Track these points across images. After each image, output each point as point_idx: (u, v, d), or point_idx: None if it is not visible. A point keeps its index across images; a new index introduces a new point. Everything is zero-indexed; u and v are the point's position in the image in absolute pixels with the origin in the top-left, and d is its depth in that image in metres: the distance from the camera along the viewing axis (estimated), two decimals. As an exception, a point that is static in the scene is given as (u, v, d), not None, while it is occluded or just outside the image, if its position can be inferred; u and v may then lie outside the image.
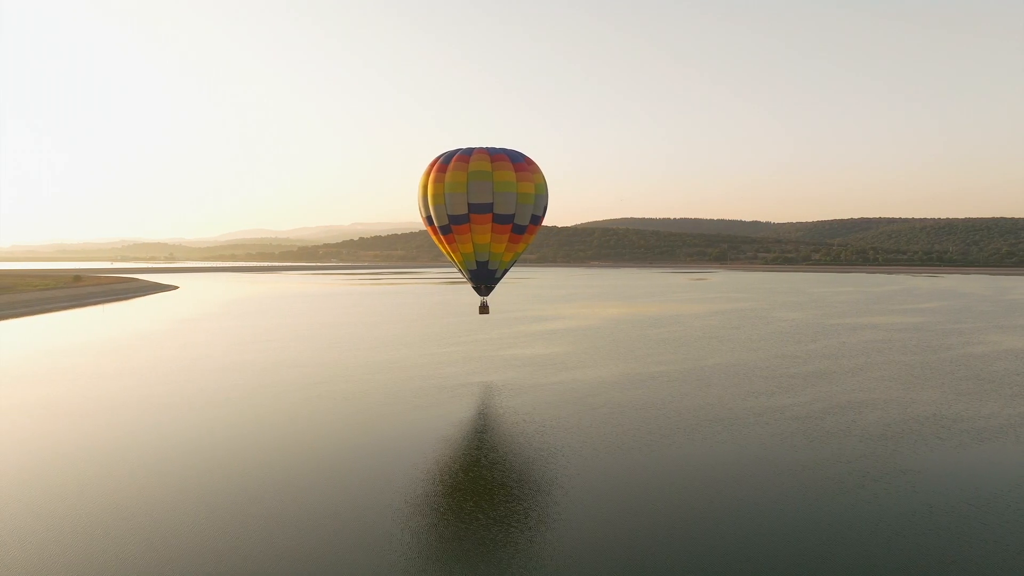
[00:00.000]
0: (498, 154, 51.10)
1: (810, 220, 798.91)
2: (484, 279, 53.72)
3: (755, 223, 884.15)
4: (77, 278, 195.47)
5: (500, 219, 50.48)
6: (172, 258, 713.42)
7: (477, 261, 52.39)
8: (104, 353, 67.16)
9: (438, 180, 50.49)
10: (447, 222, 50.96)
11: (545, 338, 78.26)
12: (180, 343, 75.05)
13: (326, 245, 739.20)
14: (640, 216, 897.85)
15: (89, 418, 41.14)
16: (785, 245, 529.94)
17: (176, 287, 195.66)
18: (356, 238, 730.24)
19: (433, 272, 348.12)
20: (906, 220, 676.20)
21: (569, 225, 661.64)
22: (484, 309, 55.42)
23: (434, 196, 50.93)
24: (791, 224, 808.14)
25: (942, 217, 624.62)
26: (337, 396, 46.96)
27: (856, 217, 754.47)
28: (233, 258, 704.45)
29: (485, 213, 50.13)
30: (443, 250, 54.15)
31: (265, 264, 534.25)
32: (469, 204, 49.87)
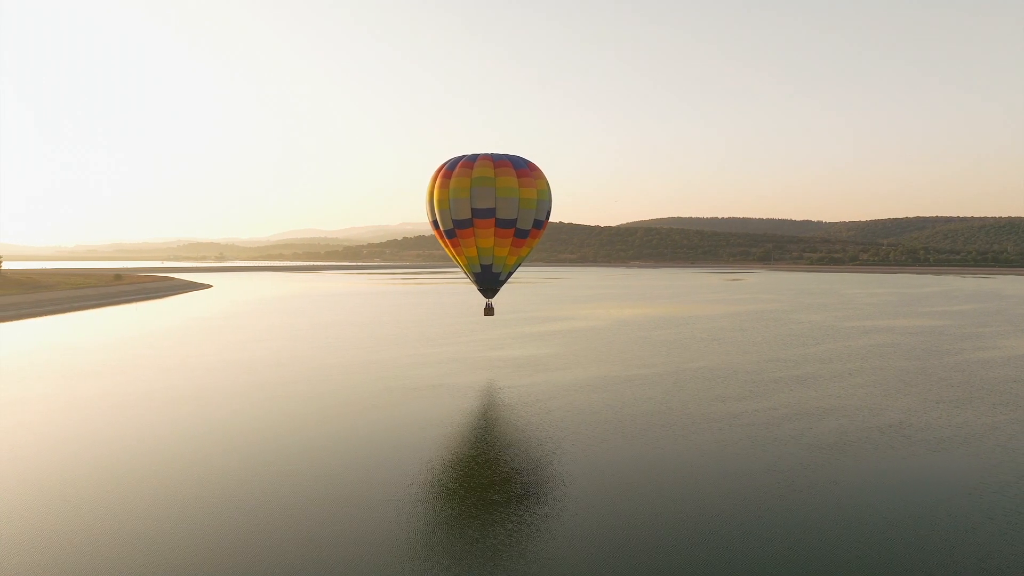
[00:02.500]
0: (501, 160, 52.07)
1: (863, 219, 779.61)
2: (488, 282, 54.85)
3: (806, 222, 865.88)
4: (118, 277, 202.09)
5: (502, 224, 51.53)
6: (221, 257, 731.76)
7: (481, 264, 53.49)
8: (88, 352, 69.08)
9: (443, 186, 51.86)
10: (452, 226, 52.22)
11: (541, 340, 77.71)
12: (176, 342, 76.77)
13: (370, 245, 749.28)
14: (687, 215, 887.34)
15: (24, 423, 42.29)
16: (832, 245, 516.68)
17: (210, 286, 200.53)
18: (400, 238, 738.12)
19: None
20: (964, 219, 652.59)
21: (612, 225, 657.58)
22: (489, 311, 56.91)
23: (439, 201, 52.23)
24: (843, 223, 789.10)
25: (1003, 216, 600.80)
26: (299, 397, 47.35)
27: (911, 216, 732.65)
28: (280, 257, 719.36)
29: (488, 218, 51.19)
30: (449, 253, 55.36)
31: (307, 264, 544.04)
32: (472, 209, 51.03)
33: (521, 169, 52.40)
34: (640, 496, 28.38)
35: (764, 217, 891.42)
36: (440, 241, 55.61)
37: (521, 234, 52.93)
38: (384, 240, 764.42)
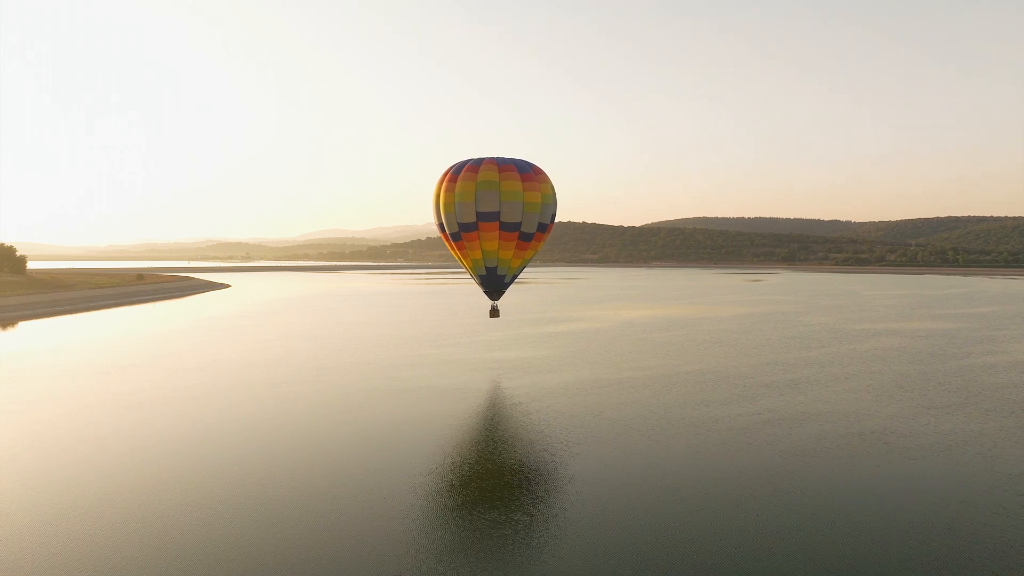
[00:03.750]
0: (506, 164, 52.85)
1: (893, 219, 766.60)
2: (494, 284, 55.70)
3: (834, 222, 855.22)
4: (140, 277, 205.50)
5: (507, 227, 52.26)
6: (248, 257, 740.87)
7: (486, 267, 54.31)
8: (73, 351, 70.11)
9: (449, 190, 52.74)
10: (457, 229, 53.01)
11: (541, 341, 77.29)
12: (175, 342, 77.61)
13: (394, 245, 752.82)
14: (713, 215, 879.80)
15: None
16: (859, 245, 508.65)
17: (228, 286, 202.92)
18: (424, 238, 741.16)
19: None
20: (998, 219, 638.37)
21: (636, 225, 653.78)
22: (495, 312, 57.98)
23: (445, 205, 53.06)
24: (872, 223, 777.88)
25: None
26: (283, 398, 47.53)
27: (943, 216, 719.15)
28: (306, 257, 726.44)
29: (492, 221, 52.01)
30: (455, 256, 56.28)
31: (329, 264, 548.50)
32: (477, 212, 51.80)
33: (526, 173, 53.02)
34: (593, 502, 27.95)
35: (792, 217, 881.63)
36: (447, 244, 56.40)
37: (525, 237, 53.59)
38: (409, 240, 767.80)
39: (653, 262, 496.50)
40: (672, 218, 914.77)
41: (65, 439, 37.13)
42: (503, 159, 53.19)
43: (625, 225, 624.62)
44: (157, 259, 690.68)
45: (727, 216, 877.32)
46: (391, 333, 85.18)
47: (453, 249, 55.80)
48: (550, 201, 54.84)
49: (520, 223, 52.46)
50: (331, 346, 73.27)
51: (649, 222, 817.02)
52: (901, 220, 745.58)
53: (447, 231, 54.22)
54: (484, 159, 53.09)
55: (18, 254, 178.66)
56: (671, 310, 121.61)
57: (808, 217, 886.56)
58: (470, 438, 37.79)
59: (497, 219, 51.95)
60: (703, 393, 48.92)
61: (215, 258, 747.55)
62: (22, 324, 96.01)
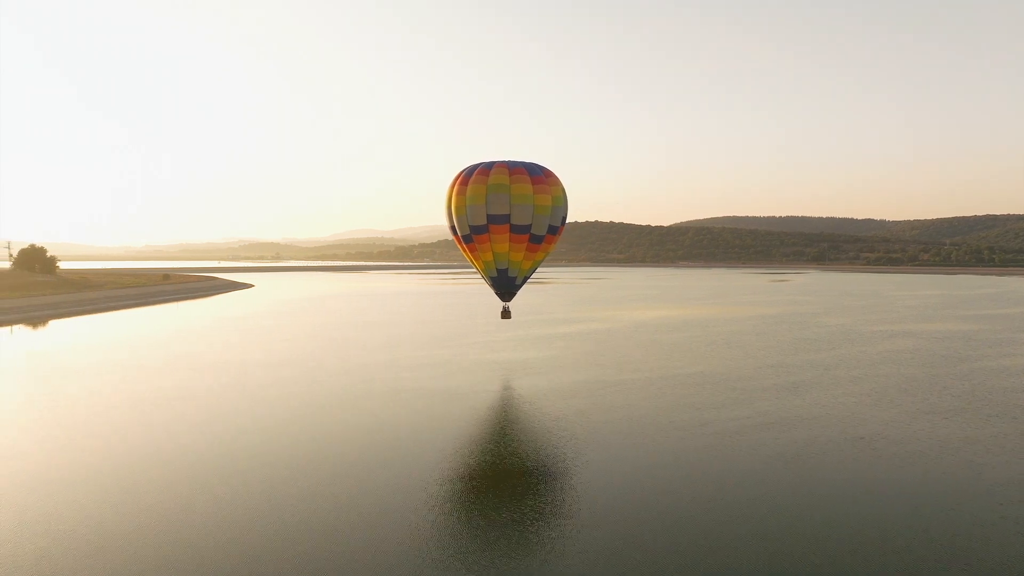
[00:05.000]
0: (517, 168, 53.79)
1: (929, 218, 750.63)
2: (505, 286, 56.47)
3: (868, 221, 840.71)
4: (166, 277, 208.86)
5: (517, 229, 53.11)
6: (278, 257, 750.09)
7: (497, 269, 55.14)
8: (69, 351, 71.34)
9: (460, 193, 53.84)
10: (468, 232, 54.06)
11: (546, 342, 76.86)
12: (176, 342, 78.63)
13: (421, 244, 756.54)
14: (743, 214, 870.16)
15: None
16: (892, 244, 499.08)
17: (251, 286, 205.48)
18: (451, 238, 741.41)
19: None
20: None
21: (664, 224, 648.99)
22: (506, 314, 58.66)
23: (456, 208, 54.19)
24: (907, 222, 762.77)
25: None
26: (270, 400, 47.70)
27: (981, 214, 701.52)
28: (334, 257, 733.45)
29: (503, 224, 52.86)
30: (467, 258, 57.40)
31: (355, 264, 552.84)
32: (488, 215, 52.71)
33: (536, 176, 53.90)
34: (549, 510, 27.59)
35: (823, 216, 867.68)
36: (459, 246, 57.61)
37: (536, 240, 54.39)
38: (436, 240, 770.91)
39: (680, 262, 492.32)
40: (701, 217, 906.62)
41: (58, 439, 37.71)
42: (514, 162, 54.14)
43: (653, 224, 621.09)
44: (190, 259, 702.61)
45: (757, 215, 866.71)
46: (398, 334, 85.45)
47: (465, 251, 56.83)
48: (560, 204, 55.63)
49: (530, 225, 53.32)
50: (334, 348, 73.70)
51: (678, 221, 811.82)
52: (937, 219, 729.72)
53: (459, 233, 55.45)
54: (495, 162, 54.12)
55: (48, 255, 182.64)
56: (688, 311, 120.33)
57: (840, 216, 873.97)
58: (440, 444, 37.56)
59: (507, 222, 52.78)
60: (698, 396, 48.19)
61: (246, 258, 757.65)
62: (40, 324, 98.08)
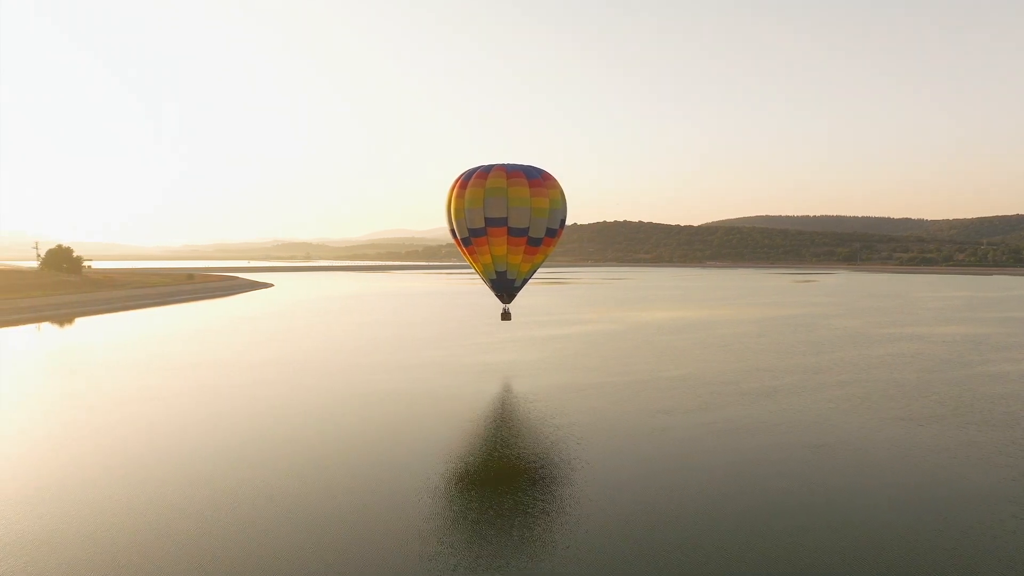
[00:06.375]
0: (514, 171, 54.42)
1: (968, 216, 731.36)
2: (504, 288, 57.07)
3: (905, 220, 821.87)
4: (190, 277, 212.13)
5: (514, 232, 53.67)
6: (308, 257, 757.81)
7: (496, 271, 55.73)
8: (75, 351, 72.41)
9: (459, 196, 54.65)
10: (467, 235, 54.80)
11: (539, 344, 76.07)
12: (177, 342, 79.48)
13: (450, 244, 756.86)
14: (776, 214, 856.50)
15: None
16: (927, 244, 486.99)
17: (271, 285, 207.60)
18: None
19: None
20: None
21: (694, 224, 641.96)
22: (506, 315, 59.33)
23: (456, 211, 54.98)
24: (946, 221, 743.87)
25: None
26: (236, 397, 47.95)
27: (1023, 212, 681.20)
28: (364, 257, 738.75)
29: (500, 226, 53.53)
30: (467, 260, 57.88)
31: (383, 264, 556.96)
32: (485, 218, 53.45)
33: (534, 179, 54.37)
34: (475, 514, 27.04)
35: (859, 215, 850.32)
36: (459, 248, 58.07)
37: (534, 242, 54.81)
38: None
39: (707, 262, 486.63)
40: (733, 216, 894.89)
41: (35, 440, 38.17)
42: (512, 166, 54.73)
43: (683, 224, 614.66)
44: (224, 259, 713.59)
45: (791, 214, 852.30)
46: (396, 334, 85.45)
47: (465, 254, 57.24)
48: (559, 206, 55.85)
49: (528, 228, 53.70)
50: (331, 348, 73.91)
51: (708, 221, 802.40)
52: (976, 218, 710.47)
53: (458, 236, 56.06)
54: (494, 166, 54.71)
55: (75, 255, 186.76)
56: (697, 312, 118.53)
57: (877, 215, 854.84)
58: (393, 448, 37.19)
59: (505, 224, 53.22)
60: (670, 400, 47.17)
61: (277, 258, 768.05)
62: (44, 322, 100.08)
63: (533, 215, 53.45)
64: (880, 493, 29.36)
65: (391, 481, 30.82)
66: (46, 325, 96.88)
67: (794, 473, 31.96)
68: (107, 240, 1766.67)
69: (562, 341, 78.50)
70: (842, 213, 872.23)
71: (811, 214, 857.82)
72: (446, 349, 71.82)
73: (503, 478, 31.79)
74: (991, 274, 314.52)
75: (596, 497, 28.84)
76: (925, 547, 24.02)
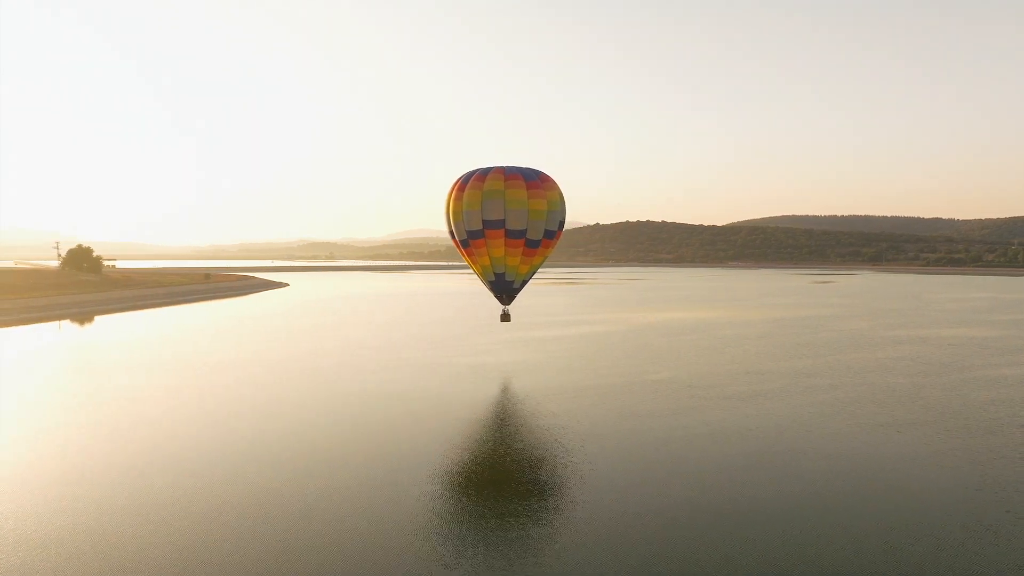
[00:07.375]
0: (512, 173, 54.80)
1: (1001, 216, 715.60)
2: (503, 290, 57.39)
3: (935, 220, 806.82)
4: (207, 276, 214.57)
5: (512, 234, 53.97)
6: (331, 257, 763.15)
7: (495, 273, 56.06)
8: (33, 354, 73.24)
9: (458, 198, 55.14)
10: (466, 237, 55.23)
11: (534, 345, 75.53)
12: (176, 342, 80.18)
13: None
14: (802, 213, 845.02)
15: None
16: (955, 245, 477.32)
17: (287, 285, 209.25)
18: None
19: (547, 272, 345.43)
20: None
21: (718, 224, 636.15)
22: (506, 317, 59.65)
23: (454, 213, 55.50)
24: (977, 221, 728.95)
25: None
26: (220, 399, 48.15)
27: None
28: (386, 257, 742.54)
29: (498, 229, 53.89)
30: (466, 262, 58.35)
31: (402, 264, 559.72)
32: (483, 220, 53.92)
33: (531, 181, 54.68)
34: (418, 521, 26.68)
35: (888, 215, 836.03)
36: (458, 250, 58.35)
37: (532, 244, 55.04)
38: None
39: (729, 262, 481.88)
40: (758, 216, 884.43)
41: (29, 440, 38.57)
42: (510, 168, 54.99)
43: (706, 224, 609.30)
44: (248, 258, 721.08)
45: (818, 214, 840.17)
46: (394, 334, 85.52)
47: (464, 256, 57.40)
48: (557, 208, 55.96)
49: (525, 230, 53.85)
50: (326, 348, 74.13)
51: (732, 221, 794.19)
52: (1009, 217, 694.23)
53: (457, 238, 56.45)
54: (492, 168, 54.97)
55: (95, 254, 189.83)
56: (703, 313, 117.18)
57: (906, 215, 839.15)
58: (359, 448, 36.96)
59: (502, 226, 53.48)
60: (649, 404, 46.43)
61: (300, 257, 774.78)
62: (49, 321, 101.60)
63: (531, 217, 53.64)
64: (811, 503, 28.44)
65: (392, 481, 30.58)
66: (52, 325, 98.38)
67: (755, 482, 31.04)
68: (139, 240, 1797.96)
69: (557, 343, 77.91)
70: (871, 213, 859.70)
71: (839, 214, 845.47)
72: (440, 349, 71.67)
73: (484, 482, 31.36)
74: (1020, 275, 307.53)
75: (554, 506, 28.30)
76: (851, 559, 23.18)
